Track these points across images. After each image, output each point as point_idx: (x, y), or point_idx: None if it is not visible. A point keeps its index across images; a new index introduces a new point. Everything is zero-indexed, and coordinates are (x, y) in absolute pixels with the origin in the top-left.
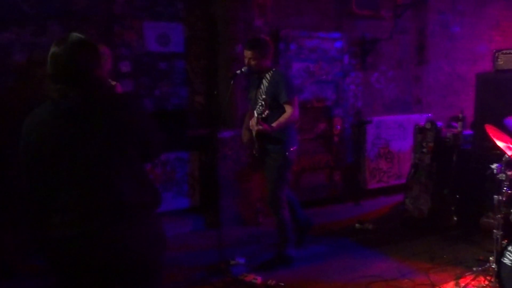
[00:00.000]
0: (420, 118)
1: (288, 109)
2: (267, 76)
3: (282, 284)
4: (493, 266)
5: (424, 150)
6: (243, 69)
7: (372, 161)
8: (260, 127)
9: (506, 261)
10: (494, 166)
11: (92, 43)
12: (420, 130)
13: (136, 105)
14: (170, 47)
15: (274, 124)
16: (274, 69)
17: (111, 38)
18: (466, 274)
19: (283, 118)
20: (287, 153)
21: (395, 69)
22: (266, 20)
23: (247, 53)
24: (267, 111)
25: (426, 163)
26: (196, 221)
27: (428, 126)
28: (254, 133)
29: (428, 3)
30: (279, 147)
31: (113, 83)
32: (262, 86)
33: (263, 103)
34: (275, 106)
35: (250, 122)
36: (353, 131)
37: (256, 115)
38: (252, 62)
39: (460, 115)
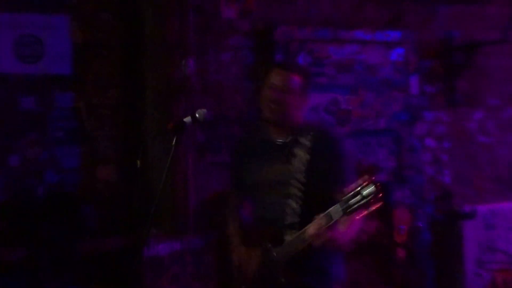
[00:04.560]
0: None
1: None
2: (304, 141)
3: None
4: None
5: None
6: (197, 114)
7: None
8: (325, 235)
9: None
10: None
11: None
12: None
13: None
14: (43, 65)
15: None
16: (318, 129)
17: None
18: None
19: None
20: None
21: None
22: (244, 8)
23: (285, 79)
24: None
25: None
26: None
27: None
28: (294, 248)
29: None
30: (321, 280)
31: None
32: (293, 161)
33: (299, 193)
34: (314, 199)
35: (312, 226)
36: (435, 236)
37: (325, 217)
38: (283, 107)
39: None
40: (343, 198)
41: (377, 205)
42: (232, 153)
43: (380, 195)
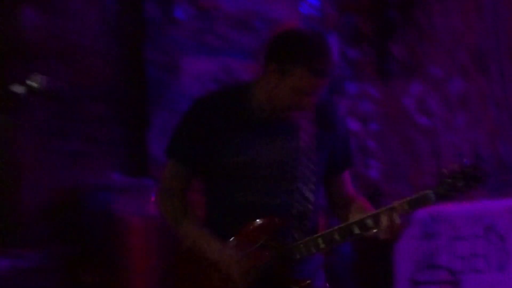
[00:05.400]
0: None
1: (350, 184)
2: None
3: None
4: None
5: None
6: (33, 82)
7: None
8: (402, 227)
9: None
10: None
11: None
12: None
13: None
14: None
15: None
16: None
17: None
18: None
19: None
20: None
21: (468, 76)
22: None
23: (317, 86)
24: None
25: None
26: None
27: None
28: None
29: None
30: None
31: None
32: (301, 135)
33: (312, 176)
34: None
35: (395, 213)
36: (359, 250)
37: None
38: (304, 108)
39: None
40: (440, 181)
41: (475, 189)
42: (193, 121)
43: (481, 176)
